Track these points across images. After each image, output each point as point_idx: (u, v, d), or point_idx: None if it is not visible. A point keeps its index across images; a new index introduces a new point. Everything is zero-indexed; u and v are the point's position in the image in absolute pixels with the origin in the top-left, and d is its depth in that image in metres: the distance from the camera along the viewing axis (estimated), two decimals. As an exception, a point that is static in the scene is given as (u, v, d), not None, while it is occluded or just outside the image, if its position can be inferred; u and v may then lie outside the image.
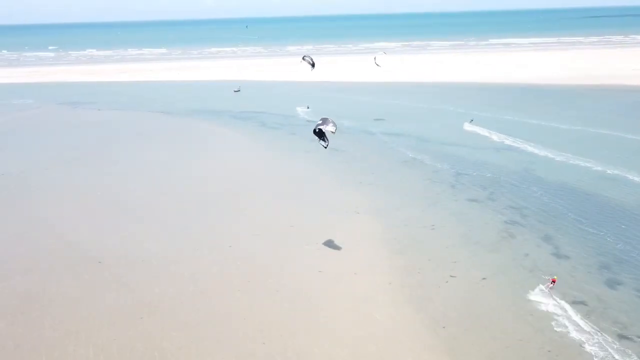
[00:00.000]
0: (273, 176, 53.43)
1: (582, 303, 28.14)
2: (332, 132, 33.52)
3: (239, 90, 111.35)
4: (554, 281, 29.72)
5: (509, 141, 63.43)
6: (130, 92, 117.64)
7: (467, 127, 72.05)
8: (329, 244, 36.37)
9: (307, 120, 78.59)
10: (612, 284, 30.13)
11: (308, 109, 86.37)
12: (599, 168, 50.61)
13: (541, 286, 29.69)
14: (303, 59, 49.25)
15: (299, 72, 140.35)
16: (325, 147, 34.68)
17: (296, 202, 44.97)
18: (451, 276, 31.31)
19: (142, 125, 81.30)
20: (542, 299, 28.59)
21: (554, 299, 28.35)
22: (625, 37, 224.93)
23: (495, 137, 65.92)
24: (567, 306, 27.83)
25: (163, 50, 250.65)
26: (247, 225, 40.36)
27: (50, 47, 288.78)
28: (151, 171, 56.77)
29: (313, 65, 47.88)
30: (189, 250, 36.26)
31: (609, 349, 24.42)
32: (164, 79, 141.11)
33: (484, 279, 30.94)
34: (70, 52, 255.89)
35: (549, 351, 24.42)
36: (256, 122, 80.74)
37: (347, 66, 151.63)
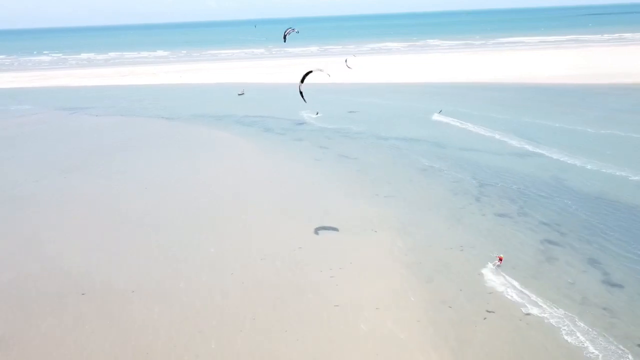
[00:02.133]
0: (280, 188, 49.27)
1: (650, 347, 23.86)
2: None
3: (242, 94, 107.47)
4: (500, 259, 31.88)
5: (530, 146, 59.04)
6: (131, 96, 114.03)
7: (437, 117, 75.67)
8: (345, 270, 32.21)
9: (314, 125, 74.61)
10: (680, 320, 25.82)
11: (318, 115, 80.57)
12: (637, 177, 46.22)
13: (490, 264, 31.81)
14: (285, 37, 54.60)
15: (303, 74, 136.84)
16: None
17: (305, 219, 40.75)
18: (488, 311, 27.07)
19: (140, 131, 77.50)
20: (494, 276, 30.44)
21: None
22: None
23: (515, 142, 61.57)
24: (630, 350, 23.58)
25: (165, 53, 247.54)
26: (251, 246, 36.24)
27: (51, 51, 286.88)
28: (147, 184, 52.74)
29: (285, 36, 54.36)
30: (186, 278, 32.18)
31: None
32: (165, 82, 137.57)
33: (527, 314, 26.69)
34: (71, 56, 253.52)
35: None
36: (261, 127, 76.73)
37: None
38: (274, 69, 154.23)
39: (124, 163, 60.26)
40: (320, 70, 43.79)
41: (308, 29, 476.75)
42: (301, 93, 43.17)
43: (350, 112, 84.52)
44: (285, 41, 54.89)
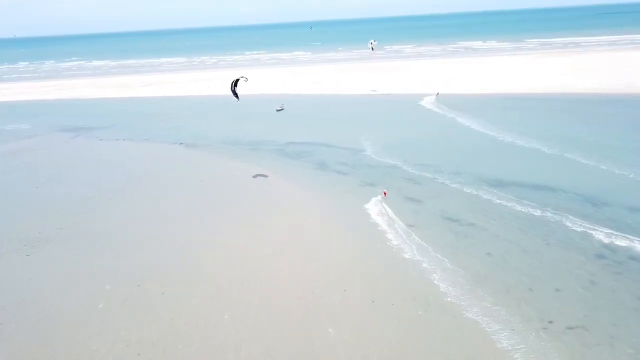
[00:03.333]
0: (354, 291, 28.97)
1: None
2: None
3: (282, 109, 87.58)
4: (385, 193, 41.96)
5: None
6: (150, 111, 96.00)
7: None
8: None
9: (382, 158, 53.84)
10: None
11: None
12: None
13: (378, 197, 41.61)
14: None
15: (355, 82, 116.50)
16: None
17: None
18: None
19: (152, 166, 58.38)
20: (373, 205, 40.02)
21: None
22: None
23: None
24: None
25: (193, 59, 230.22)
26: None
27: (75, 58, 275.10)
28: (155, 253, 33.37)
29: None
30: None
31: None
32: (191, 92, 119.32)
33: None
34: (94, 62, 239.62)
35: None
36: (312, 161, 56.63)
37: (421, 71, 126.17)
38: (316, 75, 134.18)
39: (124, 223, 40.89)
40: (245, 79, 50.21)
41: (359, 30, 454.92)
42: (235, 93, 50.73)
43: (432, 138, 63.65)
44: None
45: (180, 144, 68.49)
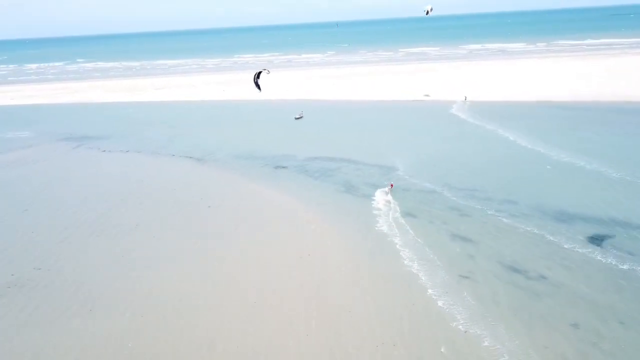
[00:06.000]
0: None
1: None
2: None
3: (301, 117, 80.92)
4: (392, 185, 43.96)
5: None
6: (159, 118, 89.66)
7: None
8: None
9: (416, 179, 46.24)
10: None
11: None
12: None
13: (384, 189, 43.55)
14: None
15: (378, 86, 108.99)
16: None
17: None
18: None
19: (156, 187, 51.49)
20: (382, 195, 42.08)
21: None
22: None
23: None
24: None
25: (206, 61, 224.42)
26: None
27: (85, 60, 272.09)
28: (149, 308, 26.55)
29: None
30: None
31: None
32: (205, 97, 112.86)
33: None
34: (105, 64, 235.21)
35: None
36: (336, 181, 49.37)
37: (447, 75, 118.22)
38: (336, 79, 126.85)
39: (111, 270, 34.14)
40: (267, 71, 48.81)
41: (382, 31, 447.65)
42: (257, 85, 48.35)
43: (472, 155, 56.00)
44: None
45: (190, 157, 61.74)
